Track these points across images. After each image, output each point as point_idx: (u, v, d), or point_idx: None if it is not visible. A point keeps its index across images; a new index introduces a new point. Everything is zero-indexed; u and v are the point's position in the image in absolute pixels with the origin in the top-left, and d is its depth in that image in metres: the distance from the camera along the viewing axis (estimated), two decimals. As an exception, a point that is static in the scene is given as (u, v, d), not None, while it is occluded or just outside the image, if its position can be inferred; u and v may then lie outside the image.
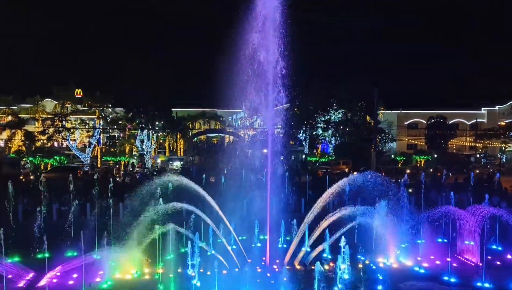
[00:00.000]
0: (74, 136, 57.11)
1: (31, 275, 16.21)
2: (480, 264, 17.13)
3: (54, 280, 15.79)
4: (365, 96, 58.65)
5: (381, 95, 56.34)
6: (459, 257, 19.22)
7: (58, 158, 51.04)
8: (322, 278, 14.70)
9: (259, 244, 20.45)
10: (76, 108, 63.36)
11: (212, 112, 77.85)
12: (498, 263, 18.77)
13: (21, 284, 15.65)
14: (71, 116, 61.15)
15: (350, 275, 16.51)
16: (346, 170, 47.52)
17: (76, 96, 67.95)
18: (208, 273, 16.51)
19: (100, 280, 16.02)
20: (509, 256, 19.62)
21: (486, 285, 15.83)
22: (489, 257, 18.02)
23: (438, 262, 18.61)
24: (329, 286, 14.32)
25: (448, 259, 17.83)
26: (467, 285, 16.16)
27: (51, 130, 57.73)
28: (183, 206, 18.26)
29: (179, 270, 17.01)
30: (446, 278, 16.76)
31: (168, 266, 16.86)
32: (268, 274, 16.81)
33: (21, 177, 33.63)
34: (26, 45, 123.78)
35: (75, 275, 16.11)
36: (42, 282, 15.34)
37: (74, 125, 59.44)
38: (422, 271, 17.78)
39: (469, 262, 18.73)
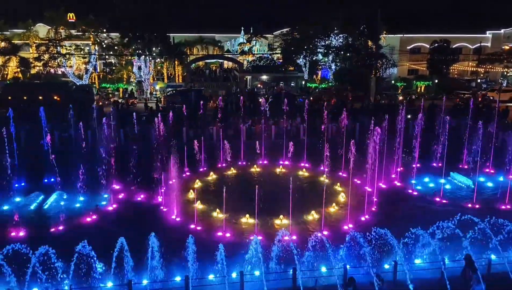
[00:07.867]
0: (70, 63, 56.04)
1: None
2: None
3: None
4: (367, 19, 56.59)
5: (383, 18, 54.43)
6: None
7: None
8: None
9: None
10: (70, 33, 61.48)
11: (210, 37, 75.77)
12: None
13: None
14: (65, 41, 59.52)
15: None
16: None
17: (69, 20, 65.57)
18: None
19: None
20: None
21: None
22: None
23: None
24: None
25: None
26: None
27: (46, 56, 56.51)
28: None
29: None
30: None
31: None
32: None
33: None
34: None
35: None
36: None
37: (69, 51, 58.06)
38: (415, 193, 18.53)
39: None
